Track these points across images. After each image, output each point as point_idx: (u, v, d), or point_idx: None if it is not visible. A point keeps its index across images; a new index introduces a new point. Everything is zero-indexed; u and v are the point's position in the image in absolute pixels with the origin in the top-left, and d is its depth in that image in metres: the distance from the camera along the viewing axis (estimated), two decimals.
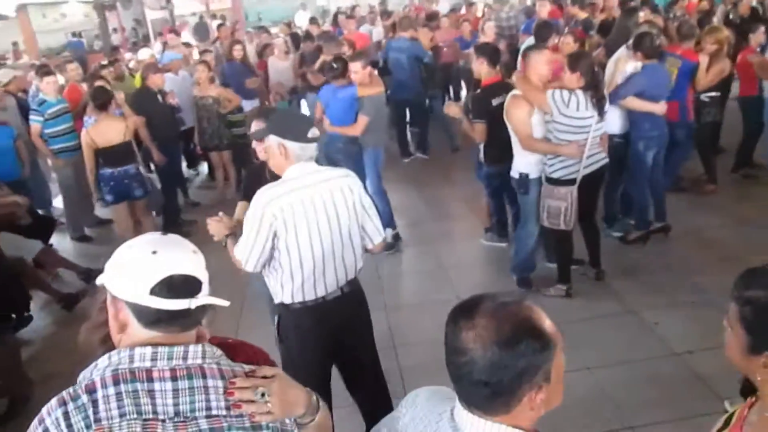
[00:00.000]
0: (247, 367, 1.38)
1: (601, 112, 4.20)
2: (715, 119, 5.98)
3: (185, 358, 1.29)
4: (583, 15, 8.46)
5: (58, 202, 7.24)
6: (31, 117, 6.19)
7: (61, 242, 6.50)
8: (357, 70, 5.34)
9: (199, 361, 1.30)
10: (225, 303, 1.36)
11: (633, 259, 5.03)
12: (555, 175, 4.29)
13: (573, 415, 3.33)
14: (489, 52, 4.95)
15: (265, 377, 1.35)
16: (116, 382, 1.24)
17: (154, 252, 1.28)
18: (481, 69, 4.92)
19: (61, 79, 7.09)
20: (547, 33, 5.99)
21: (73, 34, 19.35)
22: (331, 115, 5.50)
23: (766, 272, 1.32)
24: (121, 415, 1.22)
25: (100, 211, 7.05)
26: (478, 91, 4.96)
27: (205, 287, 1.33)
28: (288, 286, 2.64)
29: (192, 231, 6.64)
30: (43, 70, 6.62)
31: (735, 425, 1.41)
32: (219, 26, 11.53)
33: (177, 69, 7.85)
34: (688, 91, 5.44)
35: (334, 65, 5.50)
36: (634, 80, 4.82)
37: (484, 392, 1.19)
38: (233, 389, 1.29)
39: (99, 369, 1.27)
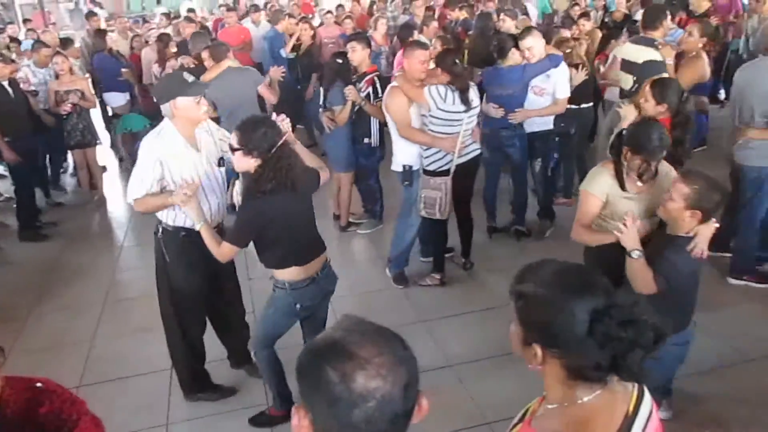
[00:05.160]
0: None
1: (469, 107, 4.28)
2: (567, 130, 5.47)
3: None
4: (462, 15, 8.65)
5: None
6: None
7: None
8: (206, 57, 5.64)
9: None
10: None
11: (507, 254, 5.11)
12: (431, 167, 4.39)
13: (437, 413, 3.35)
14: (368, 41, 5.29)
15: None
16: None
17: None
18: (364, 58, 5.10)
19: None
20: (407, 34, 6.22)
21: None
22: None
23: (537, 267, 1.36)
24: None
25: None
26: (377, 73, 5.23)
27: None
28: None
29: (52, 234, 6.21)
30: None
31: (526, 420, 1.43)
32: (88, 15, 10.80)
33: (44, 60, 7.11)
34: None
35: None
36: None
37: None
38: None
39: None
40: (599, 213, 3.10)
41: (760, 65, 4.26)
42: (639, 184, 3.01)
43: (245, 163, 2.77)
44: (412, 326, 4.16)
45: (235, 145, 2.77)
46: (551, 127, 5.23)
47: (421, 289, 4.66)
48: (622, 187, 3.01)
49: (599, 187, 3.05)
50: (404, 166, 4.50)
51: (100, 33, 7.96)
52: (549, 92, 4.96)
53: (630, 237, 2.72)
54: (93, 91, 6.71)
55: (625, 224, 2.75)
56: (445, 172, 4.37)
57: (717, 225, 2.75)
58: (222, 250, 2.91)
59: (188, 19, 9.16)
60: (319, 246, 3.12)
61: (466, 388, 3.56)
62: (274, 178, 2.74)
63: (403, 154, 4.49)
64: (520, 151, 5.11)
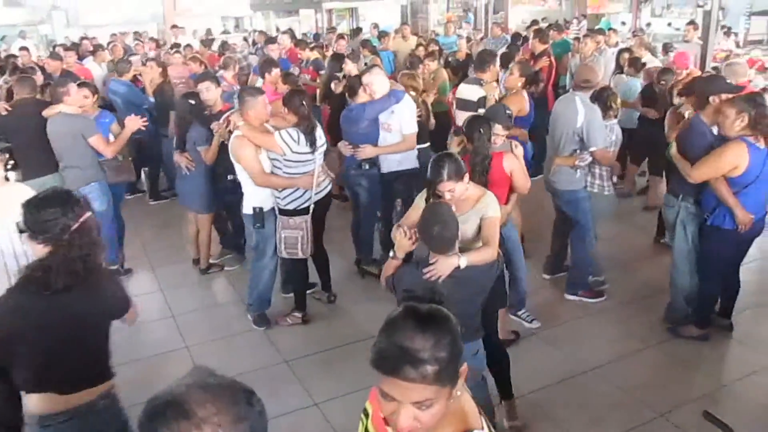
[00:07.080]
0: None
1: (316, 147, 4.33)
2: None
3: None
4: (314, 56, 8.85)
5: None
6: None
7: None
8: None
9: None
10: None
11: (369, 286, 5.12)
12: (289, 207, 4.36)
13: None
14: (218, 80, 5.44)
15: None
16: None
17: None
18: (217, 96, 5.21)
19: None
20: (267, 69, 6.31)
21: None
22: None
23: (417, 333, 1.29)
24: None
25: None
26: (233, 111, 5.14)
27: None
28: None
29: None
30: None
31: None
32: None
33: None
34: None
35: None
36: None
37: None
38: None
39: None
40: None
41: (567, 99, 4.71)
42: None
43: (36, 249, 2.23)
44: (276, 368, 4.09)
45: (21, 226, 2.23)
46: (415, 166, 5.09)
47: (283, 329, 4.61)
48: None
49: (420, 200, 3.36)
50: (255, 209, 4.40)
51: None
52: (396, 128, 4.92)
53: (397, 242, 2.95)
54: None
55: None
56: (304, 211, 4.37)
57: (459, 263, 2.81)
58: None
59: (54, 56, 8.54)
60: (98, 372, 2.38)
61: (332, 426, 3.56)
62: (66, 273, 2.16)
63: (254, 196, 4.40)
64: (366, 191, 5.10)
